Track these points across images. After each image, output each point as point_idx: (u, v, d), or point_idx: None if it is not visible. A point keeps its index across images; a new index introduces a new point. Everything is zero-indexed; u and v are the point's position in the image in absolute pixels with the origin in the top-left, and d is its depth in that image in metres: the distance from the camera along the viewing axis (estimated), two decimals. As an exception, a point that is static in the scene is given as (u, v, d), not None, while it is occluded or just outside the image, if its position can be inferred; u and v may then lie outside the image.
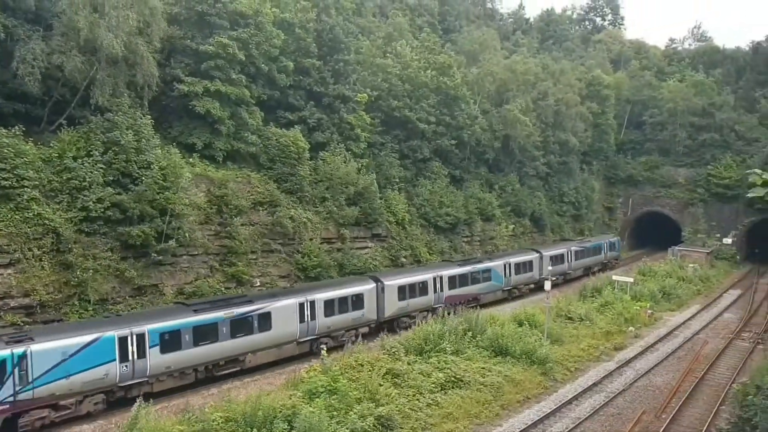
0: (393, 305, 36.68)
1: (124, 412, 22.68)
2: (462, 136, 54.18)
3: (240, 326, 27.99)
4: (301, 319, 30.94)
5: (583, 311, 42.07)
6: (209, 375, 27.33)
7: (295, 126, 41.80)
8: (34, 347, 21.59)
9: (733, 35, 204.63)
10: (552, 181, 68.13)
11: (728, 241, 72.02)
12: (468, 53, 65.94)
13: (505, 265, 46.88)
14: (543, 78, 67.40)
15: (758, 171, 8.20)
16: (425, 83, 51.74)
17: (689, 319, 46.12)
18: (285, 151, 39.81)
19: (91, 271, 27.19)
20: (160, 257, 30.36)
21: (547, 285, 39.02)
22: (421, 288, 38.66)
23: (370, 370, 26.81)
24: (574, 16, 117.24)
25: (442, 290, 40.19)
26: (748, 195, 8.60)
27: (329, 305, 32.40)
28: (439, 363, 29.30)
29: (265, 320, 29.10)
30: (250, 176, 38.40)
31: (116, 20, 29.49)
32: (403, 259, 46.00)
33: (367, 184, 43.50)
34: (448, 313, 35.56)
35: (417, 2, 74.92)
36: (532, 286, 50.23)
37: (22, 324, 24.80)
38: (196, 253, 33.06)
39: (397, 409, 24.31)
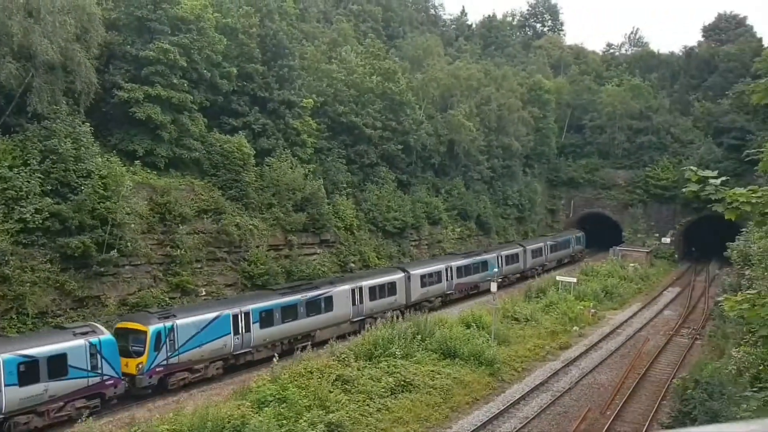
0: (417, 291, 43.12)
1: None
2: (408, 141, 54.58)
3: (312, 307, 34.12)
4: (353, 303, 37.27)
5: (529, 312, 42.81)
6: (290, 347, 32.22)
7: (240, 132, 41.36)
8: (179, 321, 27.26)
9: (667, 40, 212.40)
10: (496, 184, 69.21)
11: (667, 240, 74.43)
12: (412, 59, 66.54)
13: (498, 257, 53.58)
14: (486, 83, 68.47)
15: (693, 168, 8.53)
16: (371, 89, 51.95)
17: (631, 317, 47.46)
18: (229, 157, 39.32)
19: (29, 284, 26.32)
20: (102, 268, 29.59)
21: (494, 287, 39.66)
22: (437, 277, 45.46)
23: (319, 377, 26.69)
24: (515, 22, 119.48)
25: (451, 279, 46.96)
26: (683, 191, 8.94)
27: (372, 291, 38.86)
28: (388, 367, 29.36)
29: (329, 303, 35.31)
30: (193, 183, 37.79)
31: (52, 26, 28.69)
32: (352, 265, 46.01)
33: (315, 189, 43.35)
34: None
35: (361, 8, 75.21)
36: (518, 275, 57.45)
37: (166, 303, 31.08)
38: (139, 263, 32.34)
39: (348, 415, 24.27)
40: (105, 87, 35.00)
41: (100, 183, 29.46)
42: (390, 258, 50.23)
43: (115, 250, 29.77)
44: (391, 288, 40.42)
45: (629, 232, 76.49)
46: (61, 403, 23.25)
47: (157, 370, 26.61)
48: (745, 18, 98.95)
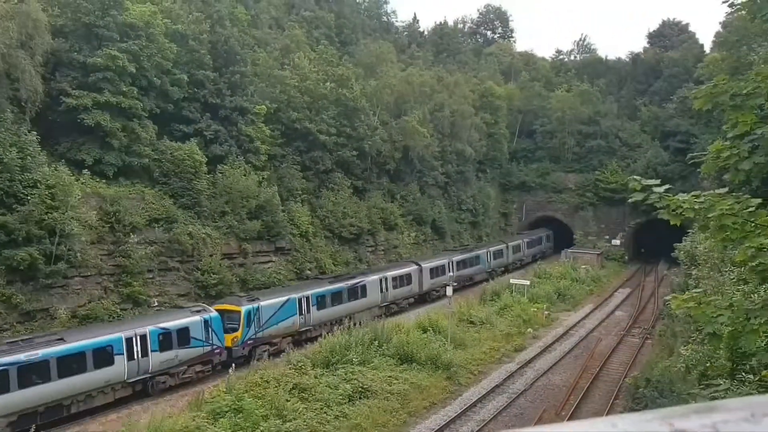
0: (428, 282, 49.75)
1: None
2: (363, 147, 54.66)
3: (353, 293, 40.51)
4: (381, 290, 43.20)
5: (484, 315, 43.25)
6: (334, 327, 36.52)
7: (191, 139, 40.80)
8: (263, 304, 33.80)
9: (614, 46, 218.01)
10: (451, 189, 69.81)
11: (617, 242, 76.11)
12: (366, 66, 66.66)
13: (487, 253, 60.28)
14: (439, 90, 69.07)
15: (637, 177, 8.78)
16: (324, 95, 51.88)
17: (583, 318, 48.36)
18: (180, 165, 38.74)
19: (-28, 297, 25.45)
20: (50, 280, 28.80)
21: (449, 290, 39.97)
22: (442, 269, 51.96)
23: (276, 386, 26.48)
24: (466, 29, 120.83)
25: (453, 271, 52.98)
26: (629, 201, 9.19)
27: (395, 281, 45.13)
28: (346, 374, 29.31)
29: (364, 290, 41.66)
30: (144, 192, 37.11)
31: (-6, 32, 27.92)
32: (308, 272, 45.78)
33: (269, 196, 43.00)
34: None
35: (313, 15, 75.07)
36: (503, 268, 63.38)
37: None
38: (89, 274, 31.61)
39: (305, 424, 24.15)
40: (51, 94, 34.18)
41: (47, 193, 28.73)
42: (347, 264, 50.15)
43: (64, 262, 29.02)
44: (408, 278, 47.36)
45: (580, 234, 77.88)
46: (185, 367, 29.56)
47: (248, 342, 32.93)
48: (687, 25, 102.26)
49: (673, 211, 8.35)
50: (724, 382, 13.91)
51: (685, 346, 26.24)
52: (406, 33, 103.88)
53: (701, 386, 16.74)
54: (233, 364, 30.25)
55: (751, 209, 8.17)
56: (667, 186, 8.48)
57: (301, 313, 36.12)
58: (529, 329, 42.78)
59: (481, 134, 74.32)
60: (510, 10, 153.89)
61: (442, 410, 28.33)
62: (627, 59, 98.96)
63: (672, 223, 8.60)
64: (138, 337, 27.13)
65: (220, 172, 41.93)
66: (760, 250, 8.35)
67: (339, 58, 61.81)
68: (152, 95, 39.44)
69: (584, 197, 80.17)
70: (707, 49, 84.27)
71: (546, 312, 47.07)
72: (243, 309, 32.59)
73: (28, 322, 28.31)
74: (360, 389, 28.34)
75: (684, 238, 39.51)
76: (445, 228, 65.97)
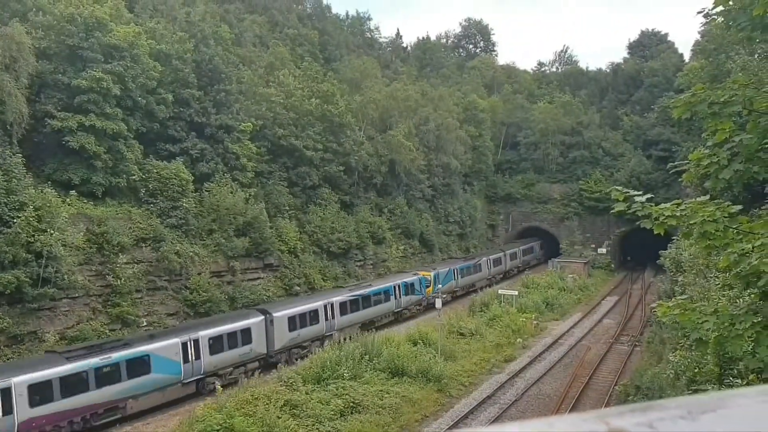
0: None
1: None
2: (349, 162, 54.86)
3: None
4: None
5: (474, 326, 43.33)
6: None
7: (177, 158, 40.83)
8: (440, 270, 53.10)
9: (595, 57, 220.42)
10: (437, 202, 70.10)
11: (603, 250, 76.61)
12: (350, 81, 67.04)
13: (487, 261, 63.55)
14: (423, 104, 69.50)
15: (618, 188, 8.96)
16: (310, 111, 52.09)
17: (572, 327, 48.56)
18: (167, 183, 38.74)
19: (-42, 322, 25.22)
20: (37, 303, 28.59)
21: (438, 303, 40.06)
22: (448, 275, 55.23)
23: (267, 404, 26.38)
24: (449, 43, 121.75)
25: (459, 277, 57.20)
26: (612, 212, 9.38)
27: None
28: (337, 390, 29.27)
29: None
30: (131, 212, 37.04)
31: (-22, 55, 27.90)
32: (297, 288, 45.72)
33: (256, 213, 43.02)
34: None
35: (297, 33, 75.44)
36: (501, 274, 66.60)
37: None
38: (77, 295, 31.43)
39: (298, 440, 24.06)
40: (37, 116, 34.14)
41: (33, 215, 28.58)
42: (335, 279, 50.13)
43: (51, 284, 28.85)
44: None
45: (566, 244, 78.29)
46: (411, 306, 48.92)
47: (435, 294, 46.71)
48: (666, 35, 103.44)
49: (656, 219, 8.53)
50: (713, 387, 14.09)
51: (673, 352, 26.45)
52: (389, 48, 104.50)
53: (690, 392, 16.89)
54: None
55: (731, 216, 8.38)
56: (648, 195, 8.68)
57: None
58: (519, 339, 42.91)
59: (466, 147, 74.77)
60: (491, 24, 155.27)
61: (434, 423, 28.32)
62: (608, 70, 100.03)
63: (656, 232, 8.78)
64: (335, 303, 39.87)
65: (207, 190, 41.95)
66: (743, 255, 8.55)
67: (323, 74, 62.13)
68: (138, 115, 39.49)
69: (569, 207, 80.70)
70: (686, 58, 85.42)
71: (535, 322, 47.23)
72: (432, 273, 50.95)
73: (16, 346, 28.07)
74: (351, 404, 28.30)
75: (669, 245, 39.88)
76: (433, 240, 66.17)
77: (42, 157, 35.43)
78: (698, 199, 8.74)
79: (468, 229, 74.71)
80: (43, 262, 28.58)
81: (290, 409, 26.86)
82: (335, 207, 53.30)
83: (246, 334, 33.01)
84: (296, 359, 35.29)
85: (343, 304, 40.58)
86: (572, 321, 50.79)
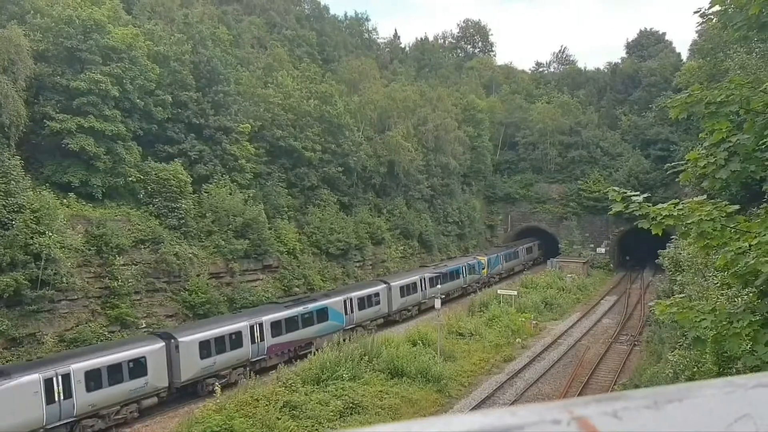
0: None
1: None
2: (348, 163, 54.89)
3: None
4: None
5: (473, 326, 43.36)
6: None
7: (176, 159, 40.84)
8: (490, 256, 63.34)
9: (593, 57, 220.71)
10: (436, 202, 70.14)
11: (602, 250, 76.60)
12: (348, 82, 67.08)
13: (522, 249, 73.00)
14: (422, 104, 69.55)
15: (616, 188, 8.97)
16: (308, 112, 52.11)
17: (571, 327, 48.59)
18: (166, 185, 38.76)
19: (-44, 325, 25.21)
20: (36, 305, 28.58)
21: (437, 303, 40.07)
22: (497, 259, 65.58)
23: (266, 405, 26.42)
24: (447, 44, 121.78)
25: (503, 263, 67.24)
26: (609, 213, 9.39)
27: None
28: (336, 390, 29.31)
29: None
30: (129, 213, 37.05)
31: (-24, 58, 27.90)
32: (296, 289, 45.72)
33: (255, 214, 43.02)
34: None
35: (295, 34, 75.48)
36: (531, 262, 75.65)
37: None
38: (76, 297, 31.45)
39: (297, 441, 24.08)
40: (35, 118, 34.15)
41: (32, 217, 28.60)
42: (334, 280, 50.13)
43: (50, 286, 28.86)
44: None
45: (565, 243, 78.29)
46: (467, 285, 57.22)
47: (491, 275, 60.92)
48: (664, 34, 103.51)
49: (653, 219, 8.55)
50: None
51: (672, 351, 26.51)
52: (387, 49, 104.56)
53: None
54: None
55: (729, 215, 8.40)
56: (645, 195, 8.69)
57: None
58: (518, 339, 42.94)
59: (464, 147, 74.83)
60: (489, 24, 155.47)
61: (434, 423, 28.30)
62: (606, 70, 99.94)
63: (654, 232, 8.79)
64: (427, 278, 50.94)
65: (206, 192, 41.97)
66: (740, 254, 8.57)
67: (322, 75, 62.18)
68: (136, 117, 39.51)
69: (568, 207, 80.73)
70: (684, 57, 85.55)
71: (534, 322, 47.26)
72: (486, 258, 62.02)
73: (15, 348, 28.07)
74: (351, 405, 28.33)
75: (668, 244, 39.91)
76: (432, 241, 66.20)
77: (41, 159, 35.45)
78: (695, 198, 8.76)
79: (467, 230, 74.74)
80: (42, 264, 28.59)
81: (290, 410, 26.91)
82: (334, 208, 53.33)
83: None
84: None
85: (433, 278, 51.70)
86: (571, 321, 50.80)
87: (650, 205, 8.60)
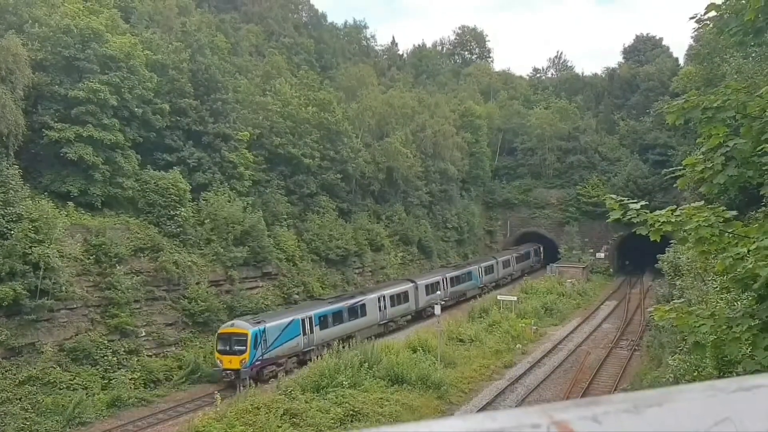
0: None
1: None
2: (347, 170, 54.91)
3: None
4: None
5: (473, 332, 43.28)
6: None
7: (174, 167, 40.84)
8: (500, 259, 68.37)
9: (590, 63, 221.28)
10: (435, 208, 70.14)
11: (601, 255, 76.54)
12: (347, 89, 67.21)
13: (531, 251, 76.21)
14: (420, 111, 69.67)
15: (613, 196, 8.99)
16: (307, 119, 52.16)
17: (571, 332, 48.52)
18: (164, 193, 38.72)
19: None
20: (35, 315, 28.53)
21: (437, 309, 40.04)
22: (490, 269, 65.65)
23: (267, 413, 26.35)
24: (444, 51, 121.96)
25: (514, 265, 71.78)
26: (608, 220, 9.40)
27: (504, 263, 66.90)
28: (336, 398, 29.23)
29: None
30: (128, 222, 37.03)
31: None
32: (296, 296, 45.69)
33: (254, 222, 43.00)
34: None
35: (293, 41, 75.69)
36: (539, 264, 77.14)
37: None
38: (75, 306, 31.39)
39: (298, 449, 24.00)
40: (33, 128, 34.17)
41: (30, 226, 28.57)
42: (334, 287, 50.09)
43: (49, 295, 28.82)
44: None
45: (565, 249, 78.14)
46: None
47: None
48: (661, 39, 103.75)
49: (651, 226, 8.57)
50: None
51: (672, 356, 26.47)
52: (385, 56, 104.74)
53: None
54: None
55: (727, 221, 8.42)
56: (642, 202, 8.71)
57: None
58: (518, 345, 42.86)
59: (463, 153, 74.91)
60: (486, 31, 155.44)
61: (434, 430, 28.23)
62: (603, 75, 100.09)
63: (652, 239, 8.81)
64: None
65: (205, 200, 41.95)
66: (738, 259, 8.58)
67: (320, 82, 62.30)
68: (134, 125, 39.55)
69: (567, 212, 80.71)
70: (681, 62, 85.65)
71: (534, 327, 47.19)
72: (500, 259, 67.96)
73: (14, 357, 28.02)
74: (351, 412, 28.26)
75: (667, 249, 39.88)
76: (431, 247, 66.20)
77: (39, 168, 35.46)
78: (693, 204, 8.78)
79: (466, 235, 74.74)
80: (41, 273, 28.55)
81: (290, 418, 26.83)
82: (333, 214, 53.32)
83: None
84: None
85: (453, 278, 56.67)
86: (571, 326, 50.73)
87: (648, 211, 8.61)
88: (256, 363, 33.58)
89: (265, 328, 34.30)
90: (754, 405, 1.21)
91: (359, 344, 36.62)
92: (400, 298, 47.82)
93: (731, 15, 10.41)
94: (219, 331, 34.42)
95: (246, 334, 33.31)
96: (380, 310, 44.64)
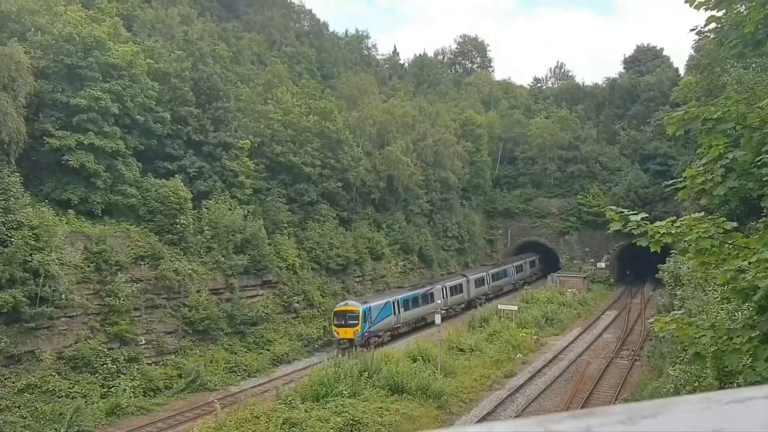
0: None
1: None
2: (348, 178, 54.95)
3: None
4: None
5: (473, 342, 43.16)
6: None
7: (175, 175, 40.88)
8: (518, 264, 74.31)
9: (591, 73, 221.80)
10: (436, 217, 70.15)
11: (602, 265, 76.48)
12: (348, 98, 67.37)
13: (526, 262, 77.02)
14: (421, 120, 69.81)
15: (613, 207, 9.01)
16: (308, 128, 52.24)
17: (572, 342, 48.41)
18: (165, 201, 38.71)
19: (-46, 343, 25.15)
20: (35, 323, 28.50)
21: (437, 319, 39.97)
22: (522, 267, 74.11)
23: (266, 422, 26.27)
24: (445, 60, 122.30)
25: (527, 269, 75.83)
26: (608, 232, 9.42)
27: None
28: (336, 407, 29.12)
29: (521, 267, 72.73)
30: (129, 230, 37.02)
31: (-24, 75, 28.04)
32: (296, 305, 45.65)
33: (255, 230, 43.00)
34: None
35: (294, 50, 75.92)
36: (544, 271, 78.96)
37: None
38: (75, 314, 31.35)
39: (297, 458, 23.91)
40: (35, 135, 34.23)
41: (31, 234, 28.58)
42: (334, 296, 50.03)
43: (49, 303, 28.80)
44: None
45: (565, 258, 78.16)
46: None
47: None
48: (662, 50, 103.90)
49: (651, 237, 8.57)
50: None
51: (673, 366, 26.41)
52: (386, 65, 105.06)
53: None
54: None
55: (727, 232, 8.42)
56: (643, 215, 8.72)
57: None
58: (519, 355, 42.75)
59: (463, 162, 74.99)
60: (487, 40, 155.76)
61: (434, 440, 28.13)
62: (604, 85, 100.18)
63: (652, 250, 8.82)
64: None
65: (205, 208, 41.97)
66: (739, 271, 8.58)
67: (321, 91, 62.45)
68: (136, 133, 39.62)
69: (568, 221, 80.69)
70: (682, 71, 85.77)
71: (534, 337, 47.10)
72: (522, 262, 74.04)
73: (14, 365, 27.97)
74: (351, 422, 28.12)
75: (668, 258, 39.88)
76: (432, 256, 66.17)
77: (40, 176, 35.50)
78: (693, 215, 8.79)
79: (467, 244, 74.71)
80: (41, 281, 28.54)
81: (289, 428, 26.71)
82: (333, 223, 53.33)
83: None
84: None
85: (494, 274, 65.46)
86: (572, 336, 50.64)
87: (648, 222, 8.63)
88: (365, 334, 42.61)
89: (370, 307, 43.68)
90: (748, 417, 1.22)
91: (359, 354, 36.58)
92: (456, 289, 56.92)
93: (731, 27, 10.46)
94: (335, 309, 44.03)
95: (357, 311, 42.60)
96: (443, 297, 51.02)
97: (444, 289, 53.08)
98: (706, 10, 10.02)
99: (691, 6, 9.63)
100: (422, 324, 50.18)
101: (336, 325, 43.01)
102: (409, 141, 64.96)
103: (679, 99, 52.43)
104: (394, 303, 46.84)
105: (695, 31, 11.81)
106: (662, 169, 70.79)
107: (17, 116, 30.87)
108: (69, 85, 35.92)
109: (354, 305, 43.46)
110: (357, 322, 42.21)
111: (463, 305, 57.77)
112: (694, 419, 1.17)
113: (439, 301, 48.38)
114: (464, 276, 60.38)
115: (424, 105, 76.36)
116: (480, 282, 61.44)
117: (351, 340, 41.78)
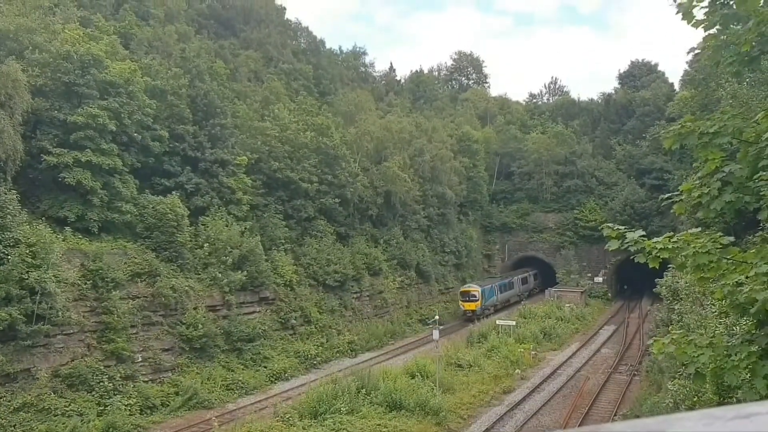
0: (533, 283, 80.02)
1: None
2: (345, 194, 54.97)
3: (531, 278, 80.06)
4: (525, 283, 77.11)
5: (472, 357, 43.04)
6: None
7: (173, 192, 40.86)
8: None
9: (586, 88, 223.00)
10: (433, 232, 70.15)
11: (599, 279, 76.50)
12: (345, 114, 67.59)
13: (538, 273, 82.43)
14: (417, 136, 70.00)
15: (610, 225, 9.03)
16: (305, 144, 52.31)
17: (570, 357, 48.26)
18: (162, 218, 38.64)
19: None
20: (31, 340, 28.33)
21: (436, 334, 39.84)
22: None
23: (264, 439, 26.10)
24: (441, 76, 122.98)
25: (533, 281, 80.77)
26: (606, 249, 9.43)
27: (525, 280, 77.66)
28: (334, 424, 28.98)
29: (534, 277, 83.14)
30: (126, 247, 36.91)
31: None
32: (294, 321, 45.45)
33: (252, 246, 42.90)
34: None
35: (291, 67, 76.21)
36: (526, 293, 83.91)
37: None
38: (72, 331, 31.18)
39: (295, 476, 23.73)
40: (32, 153, 34.22)
41: (27, 251, 28.50)
42: (332, 312, 49.85)
43: (46, 321, 28.65)
44: (535, 275, 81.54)
45: (563, 273, 78.20)
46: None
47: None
48: (656, 65, 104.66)
49: (649, 254, 8.58)
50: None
51: (672, 381, 26.34)
52: (383, 82, 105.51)
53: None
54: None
55: (724, 247, 8.43)
56: (640, 232, 8.73)
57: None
58: (517, 370, 42.60)
59: (460, 177, 75.17)
60: (483, 56, 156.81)
61: (433, 457, 27.99)
62: (599, 100, 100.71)
63: (651, 266, 8.82)
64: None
65: (202, 224, 41.90)
66: (737, 286, 8.58)
67: (318, 107, 62.64)
68: (133, 150, 39.63)
69: (565, 236, 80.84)
70: (677, 87, 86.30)
71: (533, 352, 46.96)
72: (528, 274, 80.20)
73: (9, 384, 27.77)
74: (349, 439, 27.98)
75: (665, 273, 39.89)
76: (429, 271, 66.10)
77: (37, 193, 35.45)
78: (690, 230, 8.80)
79: (464, 259, 74.68)
80: (37, 298, 28.42)
81: (287, 445, 26.56)
82: (331, 239, 53.27)
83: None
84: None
85: (523, 278, 76.63)
86: (570, 351, 50.49)
87: (645, 238, 8.64)
88: (482, 308, 61.45)
89: (484, 289, 63.05)
90: None
91: (358, 371, 36.40)
92: (522, 281, 75.35)
93: (728, 46, 10.53)
94: (461, 290, 64.02)
95: (478, 291, 62.21)
96: (520, 286, 71.74)
97: (518, 280, 73.93)
98: (705, 30, 10.10)
99: (689, 23, 9.70)
100: (508, 304, 68.60)
101: (462, 301, 62.59)
102: (406, 156, 65.12)
103: (674, 114, 52.74)
104: (495, 287, 65.59)
105: (693, 52, 11.92)
106: (658, 184, 71.06)
107: (14, 134, 30.90)
108: (66, 103, 35.98)
109: (475, 287, 63.01)
110: (477, 298, 61.44)
111: (526, 293, 74.96)
112: None
113: (517, 289, 68.58)
114: (527, 271, 78.96)
115: (421, 121, 76.62)
116: (523, 281, 76.34)
117: (474, 311, 60.79)
